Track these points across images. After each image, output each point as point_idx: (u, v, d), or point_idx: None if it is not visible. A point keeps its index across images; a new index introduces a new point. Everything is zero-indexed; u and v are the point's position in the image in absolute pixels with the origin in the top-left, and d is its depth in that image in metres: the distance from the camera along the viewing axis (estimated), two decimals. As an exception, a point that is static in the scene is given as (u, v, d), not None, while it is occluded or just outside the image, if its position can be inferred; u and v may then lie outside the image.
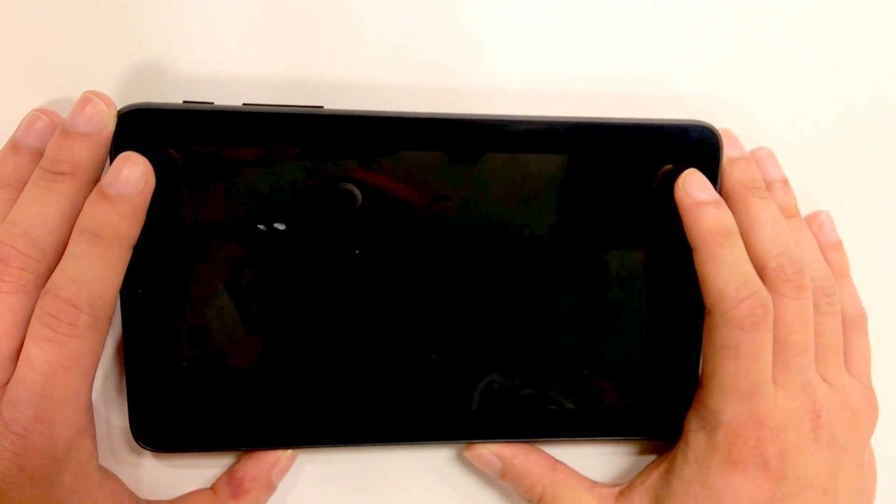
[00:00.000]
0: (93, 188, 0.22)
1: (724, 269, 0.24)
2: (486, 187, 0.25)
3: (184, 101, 0.23)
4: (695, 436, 0.25)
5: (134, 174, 0.22)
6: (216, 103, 0.23)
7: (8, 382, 0.21)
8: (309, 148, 0.23)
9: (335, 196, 0.24)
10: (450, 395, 0.26)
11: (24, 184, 0.22)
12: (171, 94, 0.24)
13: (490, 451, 0.26)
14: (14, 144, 0.23)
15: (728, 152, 0.26)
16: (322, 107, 0.24)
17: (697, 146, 0.25)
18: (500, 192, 0.25)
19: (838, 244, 0.28)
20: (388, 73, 0.26)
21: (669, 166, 0.25)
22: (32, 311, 0.21)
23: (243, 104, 0.23)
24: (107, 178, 0.22)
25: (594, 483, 0.27)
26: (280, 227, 0.24)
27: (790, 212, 0.27)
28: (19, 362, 0.21)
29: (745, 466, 0.24)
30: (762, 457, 0.24)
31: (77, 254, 0.21)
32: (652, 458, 0.28)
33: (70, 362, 0.21)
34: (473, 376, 0.26)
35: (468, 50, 0.26)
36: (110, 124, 0.22)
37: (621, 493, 0.27)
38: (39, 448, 0.21)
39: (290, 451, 0.26)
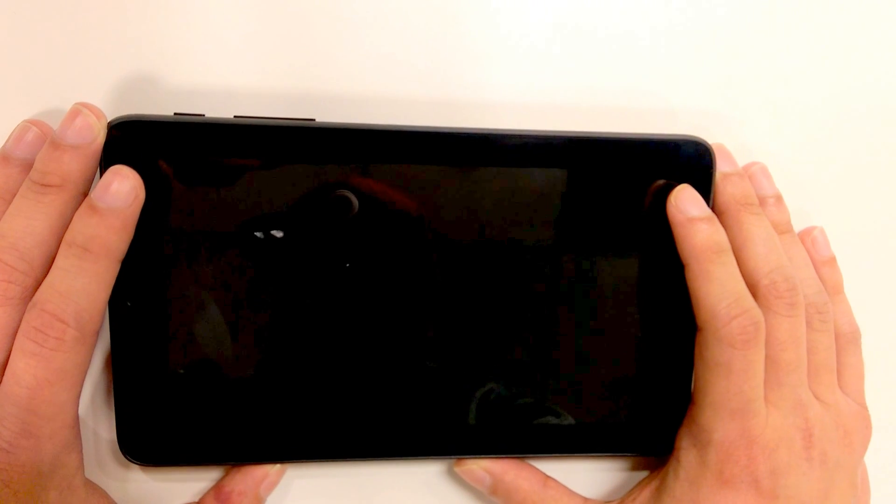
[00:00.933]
0: (82, 201, 0.22)
1: (715, 285, 0.24)
2: (479, 201, 0.24)
3: (174, 114, 0.23)
4: (686, 454, 0.25)
5: (123, 188, 0.21)
6: (207, 115, 0.23)
7: (-8, 397, 0.21)
8: (300, 160, 0.23)
9: (330, 204, 0.24)
10: (440, 410, 0.26)
11: (14, 196, 0.22)
12: (161, 106, 0.24)
13: (480, 467, 0.26)
14: (4, 156, 0.23)
15: (721, 167, 0.25)
16: (314, 119, 0.24)
17: (690, 161, 0.25)
18: (492, 206, 0.25)
19: (832, 260, 0.28)
20: (380, 85, 0.26)
21: (662, 181, 0.25)
22: (18, 325, 0.21)
23: (234, 116, 0.23)
24: (96, 191, 0.21)
25: (585, 500, 0.27)
26: (272, 237, 0.24)
27: (783, 228, 0.27)
28: (5, 377, 0.21)
29: (737, 485, 0.24)
30: (753, 476, 0.24)
31: (64, 267, 0.21)
32: (643, 474, 0.28)
33: (56, 377, 0.21)
34: (466, 389, 0.26)
35: (462, 63, 0.26)
36: (100, 136, 0.22)
37: (612, 510, 0.26)
38: (24, 463, 0.20)
39: (278, 465, 0.25)
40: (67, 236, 0.21)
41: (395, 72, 0.26)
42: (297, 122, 0.23)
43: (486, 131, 0.24)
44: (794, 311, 0.24)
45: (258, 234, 0.23)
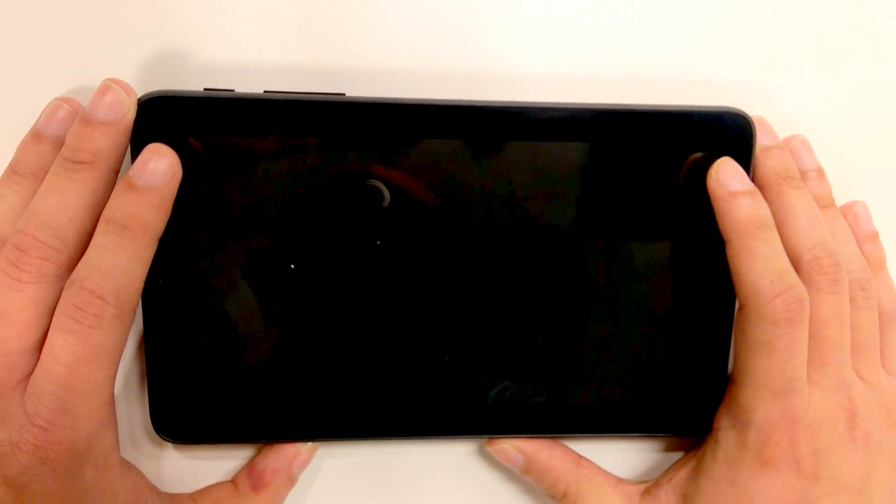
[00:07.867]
0: (113, 177, 0.22)
1: (758, 262, 0.23)
2: (509, 177, 0.24)
3: (204, 89, 0.23)
4: (725, 434, 0.25)
5: (161, 166, 0.21)
6: (237, 90, 0.23)
7: (30, 374, 0.21)
8: (331, 135, 0.23)
9: (361, 193, 0.23)
10: (473, 388, 0.25)
11: (46, 173, 0.22)
12: (191, 82, 0.24)
13: (513, 446, 0.26)
14: (36, 133, 0.22)
15: (761, 140, 0.25)
16: (344, 94, 0.23)
17: (729, 134, 0.24)
18: (522, 182, 0.24)
19: (874, 236, 0.27)
20: (410, 60, 0.25)
21: (699, 154, 0.24)
22: (53, 302, 0.21)
23: (265, 91, 0.23)
24: (134, 169, 0.21)
25: (619, 480, 0.26)
26: (300, 218, 0.23)
27: (825, 202, 0.26)
28: (43, 354, 0.21)
29: (777, 466, 0.23)
30: (795, 456, 0.23)
31: (103, 244, 0.21)
32: (679, 455, 0.28)
33: (94, 354, 0.21)
34: (495, 370, 0.25)
35: (492, 35, 0.25)
36: (130, 112, 0.22)
37: (647, 491, 0.26)
38: (61, 441, 0.20)
39: (310, 444, 0.25)
40: (106, 214, 0.21)
41: (423, 46, 0.25)
42: (328, 96, 0.23)
43: (514, 104, 0.24)
44: (837, 288, 0.24)
45: (285, 217, 0.23)
